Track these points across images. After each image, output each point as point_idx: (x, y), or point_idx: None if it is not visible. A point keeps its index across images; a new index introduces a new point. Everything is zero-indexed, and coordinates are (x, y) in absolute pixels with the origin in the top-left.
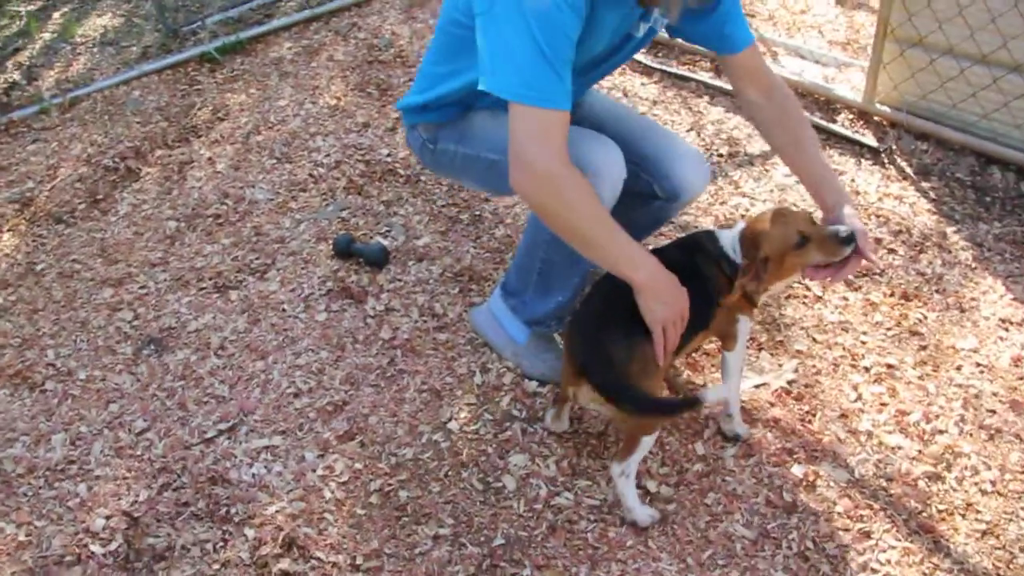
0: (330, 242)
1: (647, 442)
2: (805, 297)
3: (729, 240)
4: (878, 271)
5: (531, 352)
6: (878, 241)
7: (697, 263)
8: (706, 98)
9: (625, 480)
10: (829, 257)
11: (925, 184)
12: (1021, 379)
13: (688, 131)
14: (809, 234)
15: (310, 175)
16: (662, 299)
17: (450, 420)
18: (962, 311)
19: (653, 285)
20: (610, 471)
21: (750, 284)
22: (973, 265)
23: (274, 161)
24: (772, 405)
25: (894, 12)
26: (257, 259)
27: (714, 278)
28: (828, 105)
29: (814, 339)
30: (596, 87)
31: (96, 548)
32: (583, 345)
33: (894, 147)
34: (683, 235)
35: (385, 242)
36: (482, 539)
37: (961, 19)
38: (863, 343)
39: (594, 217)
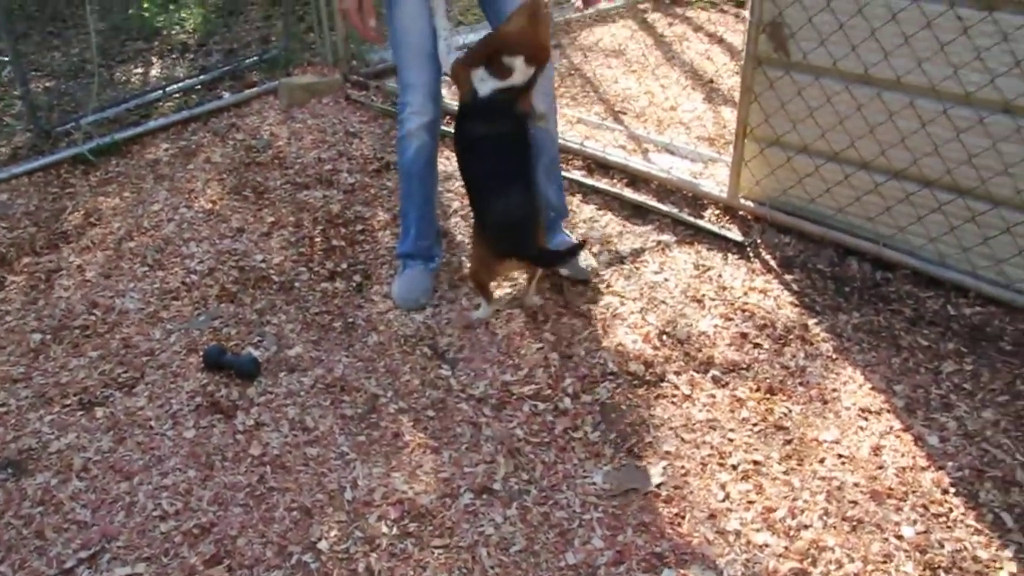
0: (201, 353)
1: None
2: (674, 396)
3: None
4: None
5: (400, 282)
6: (744, 336)
7: None
8: (578, 197)
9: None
10: None
11: (788, 276)
12: (881, 468)
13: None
14: None
15: (183, 283)
16: None
17: (320, 539)
18: (824, 403)
19: None
20: (531, 302)
21: None
22: (834, 356)
23: (146, 268)
24: (642, 510)
25: (752, 113)
26: (125, 373)
27: None
28: (696, 201)
29: (682, 439)
30: None
31: None
32: (510, 236)
33: (759, 240)
34: None
35: (257, 353)
36: None
37: (812, 120)
38: (730, 440)
39: None
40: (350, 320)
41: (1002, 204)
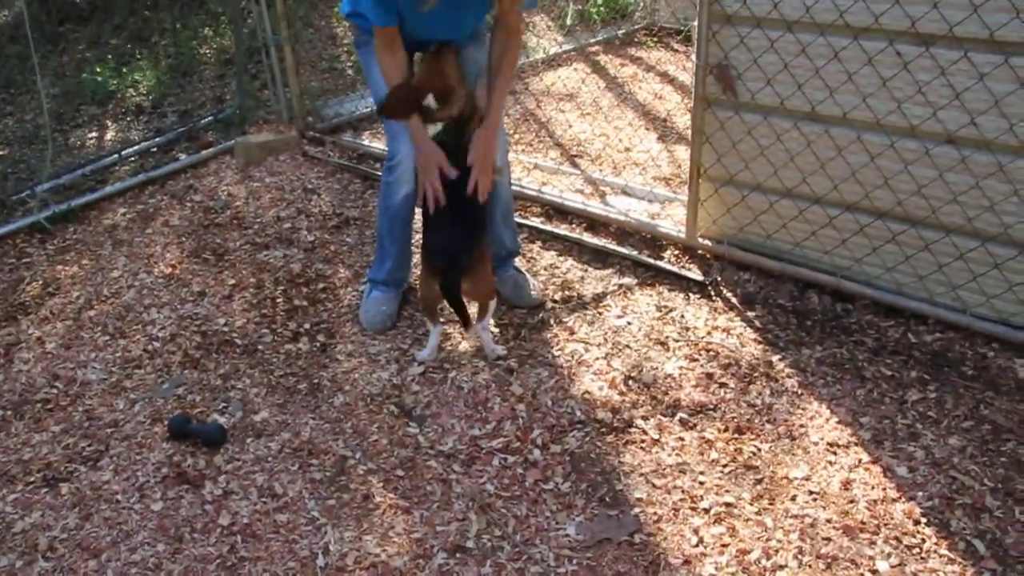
0: (166, 423)
1: (493, 304)
2: (643, 442)
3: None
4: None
5: (368, 305)
6: (709, 376)
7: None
8: (538, 243)
9: (485, 332)
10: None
11: (750, 313)
12: (852, 502)
13: None
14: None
15: (145, 350)
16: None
17: None
18: (792, 439)
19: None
20: (475, 330)
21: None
22: (799, 392)
23: (107, 337)
24: (617, 560)
25: (704, 154)
26: (89, 446)
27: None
28: (655, 242)
29: (653, 484)
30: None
31: None
32: (450, 263)
33: (719, 279)
34: None
35: (223, 419)
36: None
37: (764, 158)
38: (701, 483)
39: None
40: (315, 381)
41: (954, 232)
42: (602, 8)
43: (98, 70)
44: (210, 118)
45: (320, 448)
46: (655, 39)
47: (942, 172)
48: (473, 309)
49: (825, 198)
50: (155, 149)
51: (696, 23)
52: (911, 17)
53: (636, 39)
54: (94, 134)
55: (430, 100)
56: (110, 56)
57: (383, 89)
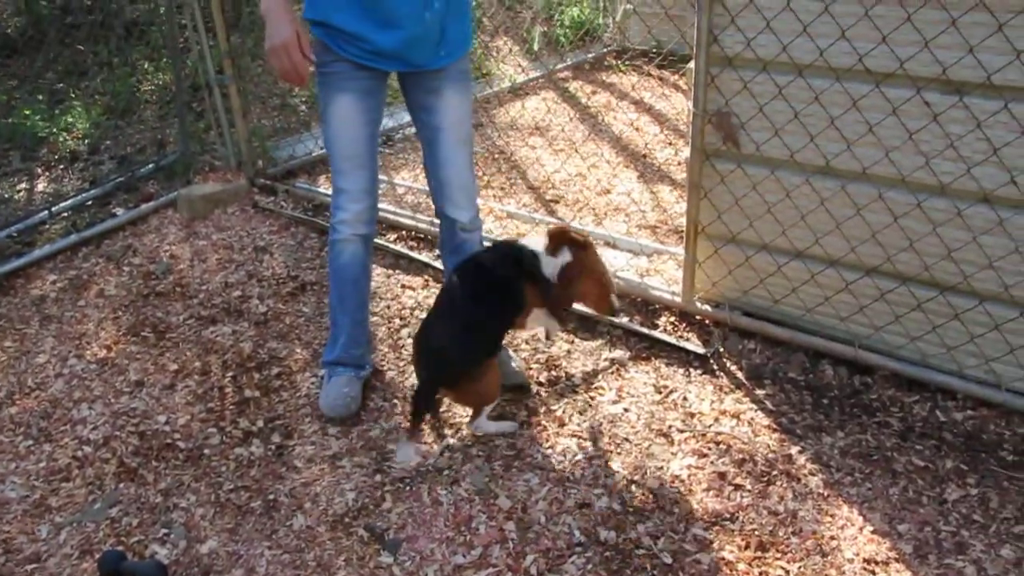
0: (96, 556)
1: (488, 408)
2: (654, 569)
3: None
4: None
5: (328, 388)
6: (722, 476)
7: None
8: None
9: (481, 429)
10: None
11: (759, 391)
12: None
13: None
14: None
15: (74, 457)
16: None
17: None
18: (824, 555)
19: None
20: (470, 430)
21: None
22: (825, 493)
23: (30, 442)
24: None
25: (702, 211)
26: None
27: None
28: (647, 306)
29: None
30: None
31: None
32: (441, 371)
33: (721, 349)
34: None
35: (163, 552)
36: None
37: (771, 216)
38: None
39: None
40: (271, 497)
41: (988, 300)
42: (569, 31)
43: (26, 113)
44: (151, 166)
45: None
46: (627, 63)
47: (976, 235)
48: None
49: (841, 260)
50: (90, 203)
51: (692, 65)
52: (941, 63)
53: (607, 63)
54: (23, 185)
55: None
56: (40, 97)
57: (336, 136)
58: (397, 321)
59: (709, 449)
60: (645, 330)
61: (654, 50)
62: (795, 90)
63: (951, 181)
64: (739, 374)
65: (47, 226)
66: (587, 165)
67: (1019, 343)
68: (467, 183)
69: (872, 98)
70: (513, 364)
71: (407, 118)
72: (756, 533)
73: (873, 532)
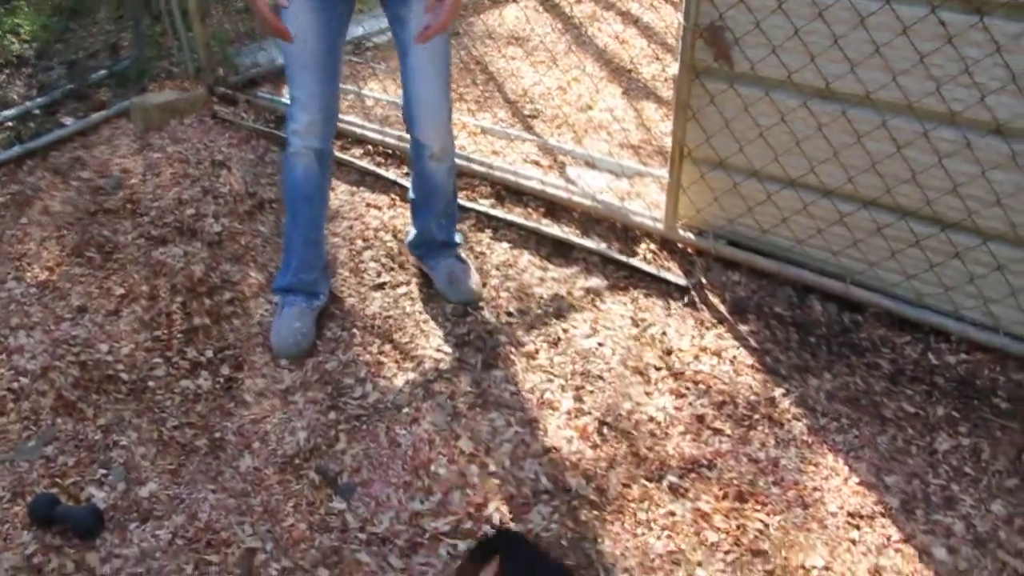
0: (28, 500)
1: None
2: (624, 520)
3: None
4: None
5: (279, 323)
6: (700, 420)
7: None
8: (488, 232)
9: None
10: None
11: (743, 327)
12: None
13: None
14: None
15: (9, 389)
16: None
17: None
18: (805, 507)
19: None
20: None
21: None
22: (809, 440)
23: None
24: None
25: (689, 133)
26: None
27: None
28: (627, 232)
29: None
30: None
31: None
32: None
33: (703, 280)
34: None
35: (101, 495)
36: None
37: (763, 140)
38: None
39: None
40: (217, 435)
41: (994, 239)
42: None
43: None
44: (104, 72)
45: (222, 538)
46: None
47: (985, 169)
48: None
49: (837, 191)
50: (36, 111)
51: None
52: None
53: None
54: None
55: None
56: None
57: (293, 42)
58: (360, 243)
59: (687, 389)
60: (623, 258)
61: None
62: (796, 5)
63: (963, 109)
64: (721, 308)
65: None
66: (568, 79)
67: (1021, 285)
68: (434, 102)
69: (881, 16)
70: (471, 281)
71: (377, 26)
72: (735, 482)
73: (859, 484)
